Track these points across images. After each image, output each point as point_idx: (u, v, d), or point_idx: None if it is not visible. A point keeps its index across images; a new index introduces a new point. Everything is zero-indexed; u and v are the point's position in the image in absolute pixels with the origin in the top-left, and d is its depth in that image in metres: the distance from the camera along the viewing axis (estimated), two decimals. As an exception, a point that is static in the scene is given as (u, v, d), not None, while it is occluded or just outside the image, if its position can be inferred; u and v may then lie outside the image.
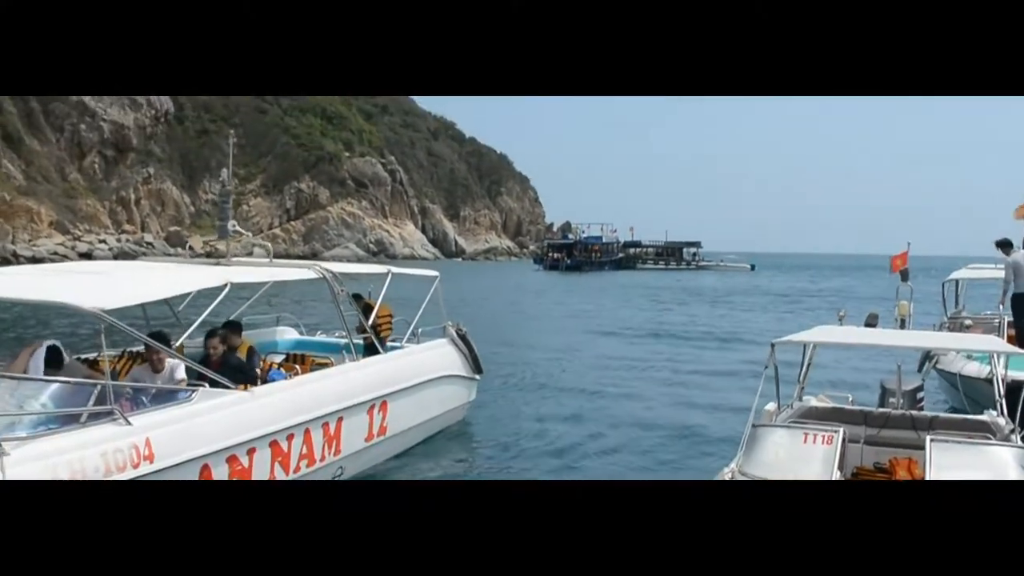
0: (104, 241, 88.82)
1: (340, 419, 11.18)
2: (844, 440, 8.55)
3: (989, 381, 12.87)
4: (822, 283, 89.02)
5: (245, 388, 9.91)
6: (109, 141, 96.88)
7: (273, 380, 10.76)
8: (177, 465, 8.51)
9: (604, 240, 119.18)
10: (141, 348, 11.16)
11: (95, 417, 8.03)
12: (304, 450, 10.50)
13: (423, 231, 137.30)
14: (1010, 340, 14.93)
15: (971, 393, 14.23)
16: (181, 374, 9.58)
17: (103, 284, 9.74)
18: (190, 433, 8.84)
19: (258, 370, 11.07)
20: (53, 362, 8.88)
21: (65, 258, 77.61)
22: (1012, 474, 7.68)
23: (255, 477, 9.65)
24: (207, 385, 9.44)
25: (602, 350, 27.75)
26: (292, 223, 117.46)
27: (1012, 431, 9.47)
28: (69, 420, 7.94)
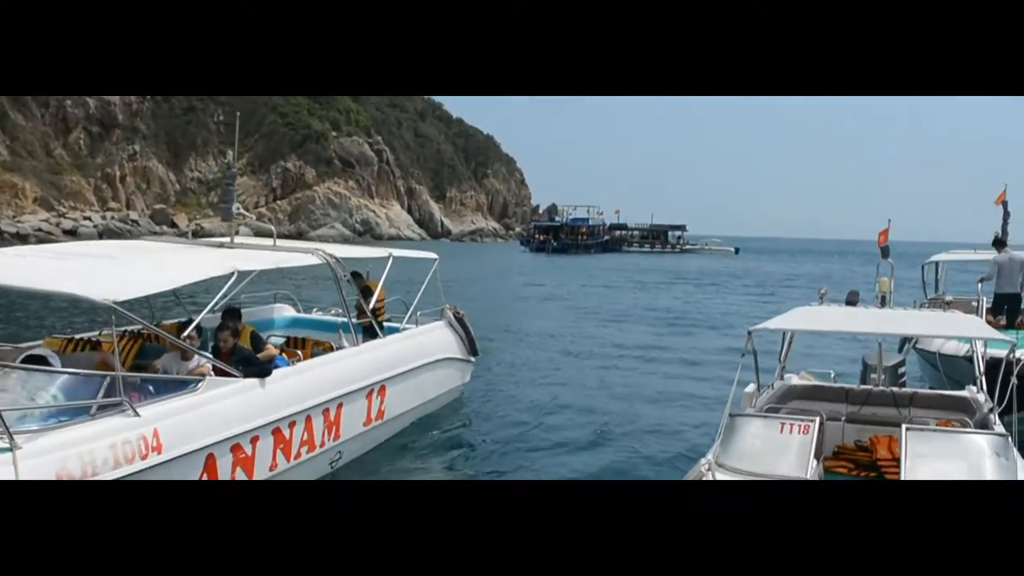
0: (89, 218, 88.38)
1: (340, 404, 11.26)
2: (822, 426, 8.52)
3: (968, 359, 13.01)
4: (805, 267, 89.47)
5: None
6: (95, 117, 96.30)
7: (277, 367, 10.81)
8: (183, 456, 8.55)
9: (591, 222, 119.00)
10: (139, 327, 11.19)
11: (104, 408, 8.04)
12: (305, 436, 10.57)
13: (409, 212, 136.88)
14: (987, 320, 15.20)
15: (950, 372, 14.38)
16: (208, 364, 9.58)
17: (113, 272, 9.68)
18: (196, 423, 8.85)
19: (268, 349, 11.13)
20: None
21: (49, 235, 77.27)
22: (988, 462, 7.72)
23: (257, 464, 9.71)
24: (212, 373, 9.47)
25: (590, 333, 27.96)
26: (278, 202, 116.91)
27: (991, 410, 9.53)
28: (79, 411, 7.92)
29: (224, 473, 9.20)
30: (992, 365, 10.35)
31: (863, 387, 10.87)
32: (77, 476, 7.38)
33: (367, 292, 13.60)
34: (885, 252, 19.64)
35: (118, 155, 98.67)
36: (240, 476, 9.45)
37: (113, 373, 8.26)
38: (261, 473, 9.79)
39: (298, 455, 10.46)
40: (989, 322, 14.85)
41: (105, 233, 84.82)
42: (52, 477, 7.18)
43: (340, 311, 13.22)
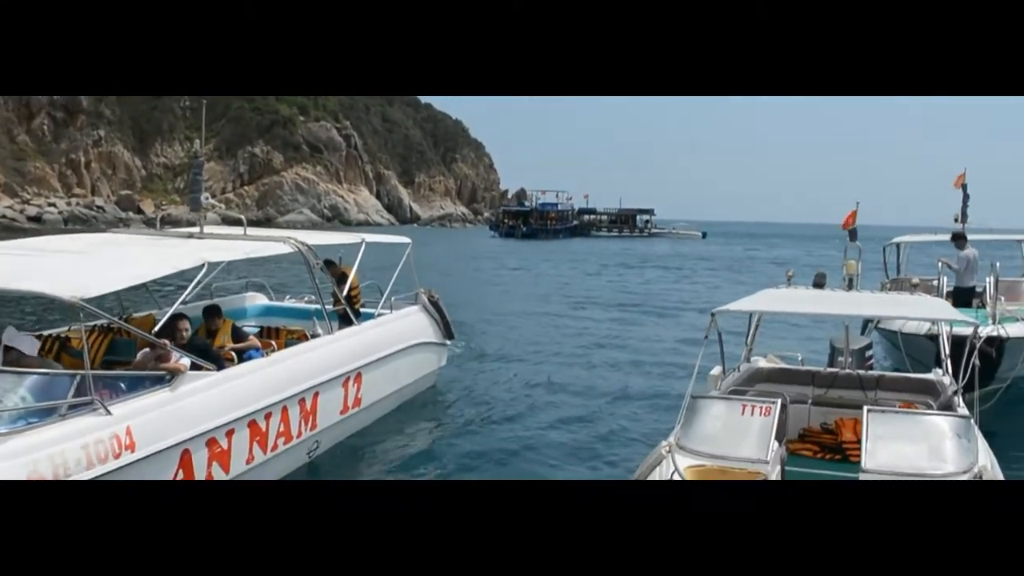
0: (54, 205, 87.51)
1: (316, 394, 11.21)
2: (784, 409, 8.48)
3: (929, 338, 13.22)
4: (772, 251, 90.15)
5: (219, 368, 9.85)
6: (58, 102, 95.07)
7: (251, 359, 10.75)
8: (158, 453, 8.44)
9: (559, 207, 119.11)
10: (105, 322, 11.07)
11: (74, 408, 7.89)
12: (281, 427, 10.49)
13: (378, 197, 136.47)
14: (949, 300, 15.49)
15: (912, 351, 14.60)
16: (185, 360, 9.36)
17: (81, 268, 9.49)
18: (170, 419, 8.72)
19: (251, 341, 11.11)
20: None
21: (14, 221, 76.48)
22: (949, 443, 7.68)
23: (233, 458, 9.62)
24: (187, 369, 9.30)
25: (559, 316, 28.18)
26: (245, 188, 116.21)
27: (955, 392, 9.56)
28: (48, 412, 7.76)
29: (200, 468, 9.09)
30: (957, 343, 10.42)
31: (830, 370, 10.89)
32: (49, 478, 7.24)
33: (341, 279, 13.52)
34: (853, 235, 19.82)
35: (83, 141, 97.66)
36: (217, 471, 9.36)
37: (83, 372, 8.11)
38: (238, 467, 9.71)
39: (275, 447, 10.38)
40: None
41: (71, 220, 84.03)
42: (23, 479, 7.03)
43: (313, 298, 13.13)
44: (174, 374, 9.07)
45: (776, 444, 7.85)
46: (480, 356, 19.66)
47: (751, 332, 11.39)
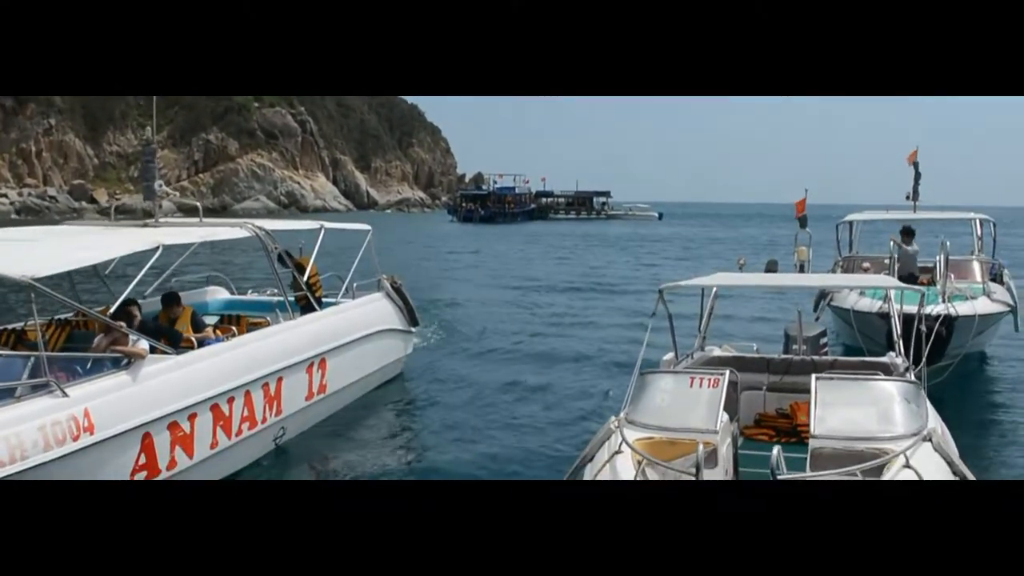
0: (5, 195, 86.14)
1: (280, 379, 11.23)
2: (735, 385, 8.42)
3: (881, 316, 13.45)
4: (728, 231, 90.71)
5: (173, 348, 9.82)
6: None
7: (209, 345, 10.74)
8: (118, 435, 8.43)
9: (517, 191, 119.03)
10: (70, 315, 11.02)
11: (30, 390, 7.87)
12: (245, 412, 10.50)
13: (335, 183, 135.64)
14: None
15: (864, 329, 14.71)
16: (143, 343, 9.35)
17: (32, 251, 9.47)
18: (129, 401, 8.69)
19: (207, 332, 11.11)
20: None
21: (-36, 213, 75.09)
22: (898, 408, 7.59)
23: (197, 442, 9.61)
24: (147, 353, 9.27)
25: (517, 299, 28.51)
26: (200, 175, 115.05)
27: (907, 369, 9.62)
28: (2, 394, 7.75)
29: (163, 452, 9.10)
30: (907, 321, 10.58)
31: (784, 356, 10.86)
32: (5, 460, 7.25)
33: (300, 269, 13.54)
34: (803, 222, 20.13)
35: (33, 130, 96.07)
36: (180, 455, 9.36)
37: (37, 353, 8.11)
38: (202, 451, 9.72)
39: (240, 432, 10.39)
40: None
41: (23, 210, 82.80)
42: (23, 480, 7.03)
43: (276, 291, 13.09)
44: (132, 358, 9.03)
45: (726, 417, 7.75)
46: (444, 342, 19.77)
47: (705, 319, 11.33)
